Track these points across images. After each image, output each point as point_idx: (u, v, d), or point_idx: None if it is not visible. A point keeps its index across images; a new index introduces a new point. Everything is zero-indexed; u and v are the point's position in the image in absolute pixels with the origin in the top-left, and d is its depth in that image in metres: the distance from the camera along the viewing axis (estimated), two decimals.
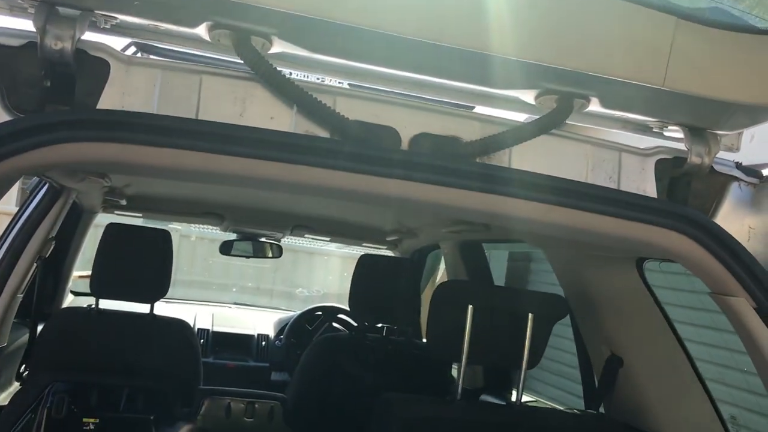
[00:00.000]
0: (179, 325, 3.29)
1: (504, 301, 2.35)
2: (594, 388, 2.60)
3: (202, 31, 1.45)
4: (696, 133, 1.74)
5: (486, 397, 3.41)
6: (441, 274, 4.94)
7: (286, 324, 4.96)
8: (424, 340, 3.81)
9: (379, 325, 3.71)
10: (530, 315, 2.28)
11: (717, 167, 1.80)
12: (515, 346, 2.31)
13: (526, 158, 1.67)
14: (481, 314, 2.25)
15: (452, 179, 1.54)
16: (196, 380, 3.28)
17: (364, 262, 3.46)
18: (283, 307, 6.15)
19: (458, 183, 1.54)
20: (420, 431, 2.17)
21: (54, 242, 3.28)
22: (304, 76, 1.75)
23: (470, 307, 2.24)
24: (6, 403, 3.04)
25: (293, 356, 4.60)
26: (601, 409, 2.56)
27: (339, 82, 1.75)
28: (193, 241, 8.30)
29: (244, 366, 4.67)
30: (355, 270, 3.45)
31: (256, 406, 3.20)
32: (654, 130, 1.87)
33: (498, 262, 7.80)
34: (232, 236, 4.92)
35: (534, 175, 1.60)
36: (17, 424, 2.91)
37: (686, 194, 1.79)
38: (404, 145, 1.58)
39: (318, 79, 1.77)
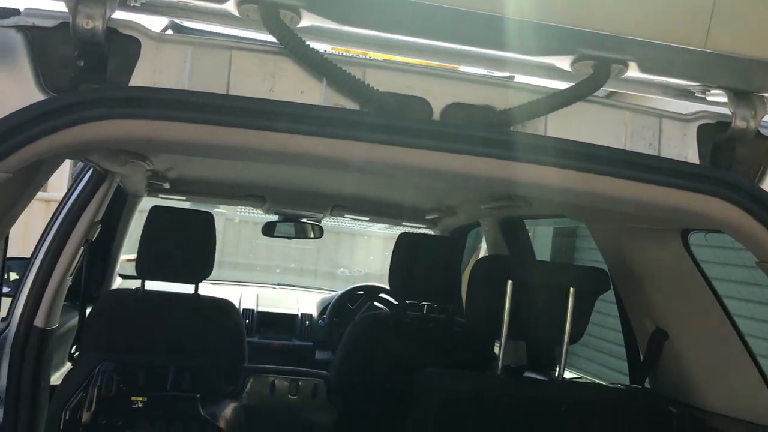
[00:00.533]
0: (224, 304, 3.34)
1: (544, 276, 2.32)
2: (639, 362, 2.56)
3: (230, 6, 1.45)
4: (741, 96, 1.67)
5: (529, 375, 3.38)
6: (483, 254, 4.91)
7: (329, 304, 5.00)
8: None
9: (420, 303, 3.70)
10: (571, 289, 2.24)
11: (763, 131, 1.73)
12: (557, 322, 2.28)
13: (562, 126, 1.63)
14: (521, 289, 2.23)
15: (486, 149, 1.51)
16: (241, 359, 3.33)
17: (403, 240, 3.45)
18: (326, 288, 6.20)
19: (493, 153, 1.51)
20: (461, 406, 2.16)
21: (100, 226, 3.36)
22: (333, 49, 1.74)
23: (509, 282, 2.22)
24: (59, 383, 3.14)
25: (336, 335, 4.65)
26: (647, 384, 2.52)
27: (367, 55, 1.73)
28: (237, 224, 8.41)
29: (288, 345, 4.73)
30: (394, 249, 3.45)
31: (300, 383, 3.24)
32: (696, 94, 1.80)
33: (542, 240, 7.70)
34: (274, 218, 4.97)
35: (570, 143, 1.56)
36: (70, 402, 3.00)
37: (730, 160, 1.72)
38: (436, 115, 1.55)
39: (347, 52, 1.75)
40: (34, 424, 2.99)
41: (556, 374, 2.34)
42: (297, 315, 4.99)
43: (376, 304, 4.95)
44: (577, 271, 2.38)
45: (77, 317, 3.51)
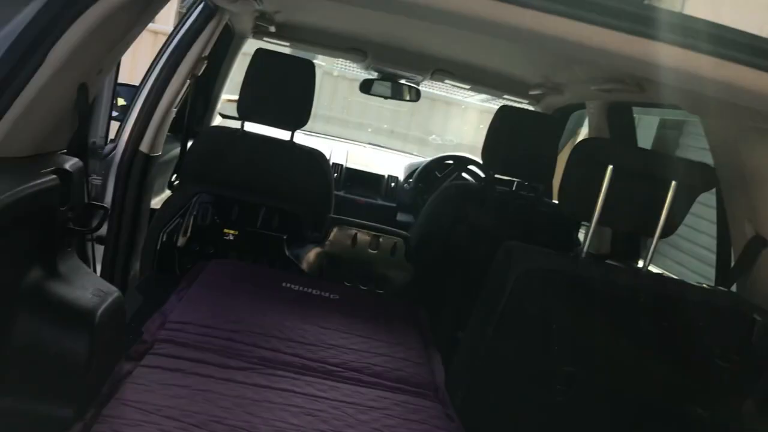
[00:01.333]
0: (316, 154, 3.41)
1: (647, 164, 2.23)
2: (729, 266, 2.49)
3: None
4: None
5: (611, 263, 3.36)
6: (581, 138, 4.76)
7: (416, 169, 5.02)
8: (555, 201, 3.75)
9: (509, 179, 3.67)
10: (673, 182, 2.16)
11: None
12: (651, 213, 2.22)
13: (700, 5, 1.50)
14: (620, 175, 2.16)
15: (615, 20, 1.41)
16: (327, 208, 3.44)
17: (503, 112, 3.37)
18: (415, 153, 6.21)
19: (622, 25, 1.41)
20: (540, 282, 2.18)
21: (206, 62, 3.42)
22: None
23: (610, 167, 2.15)
24: (159, 207, 3.34)
25: (420, 200, 4.71)
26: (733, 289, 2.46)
27: None
28: (335, 78, 8.38)
29: (372, 203, 4.83)
30: (492, 120, 3.38)
31: (381, 239, 3.33)
32: None
33: (645, 130, 7.33)
34: (373, 76, 4.93)
35: (708, 24, 1.44)
36: (167, 226, 3.20)
37: None
38: None
39: None
40: (134, 240, 3.23)
41: (641, 266, 2.31)
42: (384, 176, 5.05)
43: (463, 175, 4.94)
44: (683, 165, 2.28)
45: (179, 148, 3.66)
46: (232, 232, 3.23)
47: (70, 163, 1.93)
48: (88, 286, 1.95)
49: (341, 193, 4.75)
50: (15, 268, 1.72)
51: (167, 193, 3.56)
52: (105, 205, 2.29)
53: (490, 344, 2.26)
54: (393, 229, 3.45)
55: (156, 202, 3.63)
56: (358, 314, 2.96)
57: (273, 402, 2.12)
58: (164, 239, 3.20)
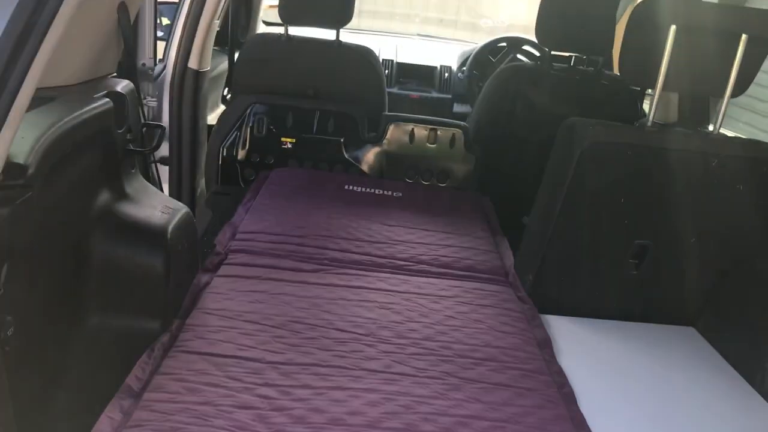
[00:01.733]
0: (365, 51, 3.33)
1: (714, 19, 2.08)
2: None
3: None
4: None
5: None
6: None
7: (469, 56, 4.85)
8: (616, 73, 3.58)
9: (567, 54, 3.51)
10: (744, 36, 2.02)
11: None
12: (721, 72, 2.09)
13: None
14: (685, 35, 2.03)
15: None
16: (382, 106, 3.39)
17: None
18: (467, 39, 5.99)
19: None
20: (605, 155, 2.11)
21: None
22: None
23: (672, 26, 2.02)
24: (215, 122, 3.36)
25: (475, 88, 4.58)
26: None
27: None
28: None
29: (427, 97, 4.73)
30: None
31: (439, 132, 3.28)
32: None
33: None
34: None
35: None
36: (225, 140, 3.23)
37: None
38: None
39: None
40: (196, 157, 3.28)
41: (712, 129, 2.20)
42: (436, 67, 4.91)
43: (518, 56, 4.75)
44: (753, 15, 2.11)
45: (227, 62, 3.64)
46: (289, 140, 3.24)
47: (122, 85, 1.95)
48: (157, 205, 2.00)
49: (394, 90, 4.66)
50: (85, 193, 1.78)
51: (221, 108, 3.57)
52: (162, 124, 2.31)
53: (557, 224, 2.23)
54: (450, 120, 3.39)
55: (212, 118, 3.65)
56: (422, 209, 2.97)
57: (347, 299, 2.18)
58: (224, 153, 3.25)
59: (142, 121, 2.19)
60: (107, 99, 1.80)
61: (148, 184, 2.12)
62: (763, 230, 2.24)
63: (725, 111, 2.11)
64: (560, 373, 1.98)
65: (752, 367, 2.09)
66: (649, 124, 2.12)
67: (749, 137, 2.32)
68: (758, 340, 2.10)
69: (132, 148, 2.01)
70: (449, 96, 4.75)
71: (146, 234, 1.86)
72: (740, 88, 2.09)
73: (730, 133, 2.88)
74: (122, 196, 1.93)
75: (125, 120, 1.94)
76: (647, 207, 2.20)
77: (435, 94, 4.76)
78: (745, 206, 2.18)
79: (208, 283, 2.17)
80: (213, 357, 1.76)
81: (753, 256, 2.25)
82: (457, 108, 4.70)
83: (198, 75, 3.25)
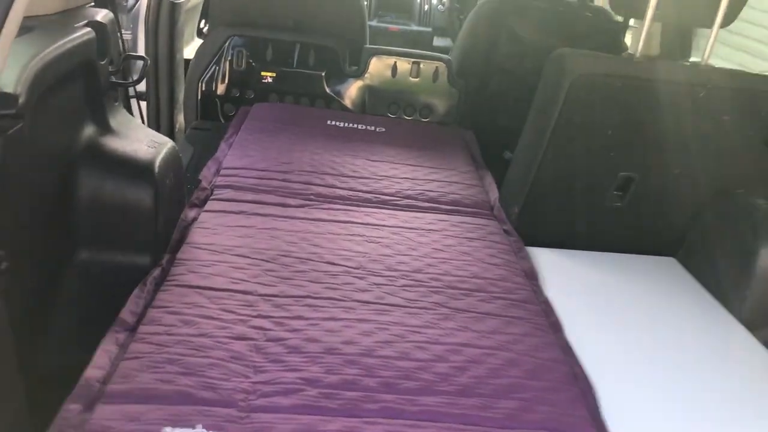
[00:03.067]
0: None
1: None
2: None
3: None
4: None
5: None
6: None
7: None
8: (598, 5, 3.55)
9: None
10: None
11: None
12: (709, 1, 2.08)
13: None
14: None
15: None
16: (363, 39, 3.32)
17: None
18: None
19: None
20: (596, 87, 2.10)
21: None
22: None
23: None
24: (192, 56, 3.28)
25: (456, 21, 4.51)
26: None
27: None
28: None
29: (407, 30, 4.65)
30: None
31: (422, 66, 3.24)
32: None
33: None
34: None
35: None
36: (204, 74, 3.16)
37: None
38: None
39: None
40: (174, 92, 3.21)
41: (701, 60, 2.20)
42: (416, 0, 4.83)
43: None
44: None
45: None
46: (269, 74, 3.17)
47: (102, 14, 1.88)
48: (143, 138, 1.97)
49: (373, 23, 4.58)
50: (70, 126, 1.74)
51: (198, 41, 3.48)
52: (144, 56, 2.25)
53: (544, 156, 2.24)
54: (433, 53, 3.34)
55: (188, 52, 3.56)
56: (406, 144, 2.95)
57: (335, 233, 2.18)
58: (203, 88, 3.18)
59: (123, 52, 2.13)
60: (89, 29, 1.74)
61: (132, 117, 2.07)
62: (747, 161, 2.27)
63: (714, 41, 2.11)
64: (546, 303, 2.03)
65: (731, 295, 2.15)
66: (638, 55, 2.12)
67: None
68: (737, 270, 2.15)
69: (115, 80, 1.96)
70: (429, 29, 4.69)
71: (134, 168, 1.83)
72: (729, 17, 2.09)
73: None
74: (107, 129, 1.89)
75: (107, 50, 1.88)
76: (633, 139, 2.21)
77: (415, 27, 4.69)
78: (730, 137, 2.20)
79: (195, 218, 2.15)
80: (206, 290, 1.77)
81: (736, 187, 2.29)
82: (438, 41, 4.64)
83: (174, 6, 3.16)
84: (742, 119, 2.16)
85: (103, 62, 1.85)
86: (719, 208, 2.32)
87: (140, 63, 2.26)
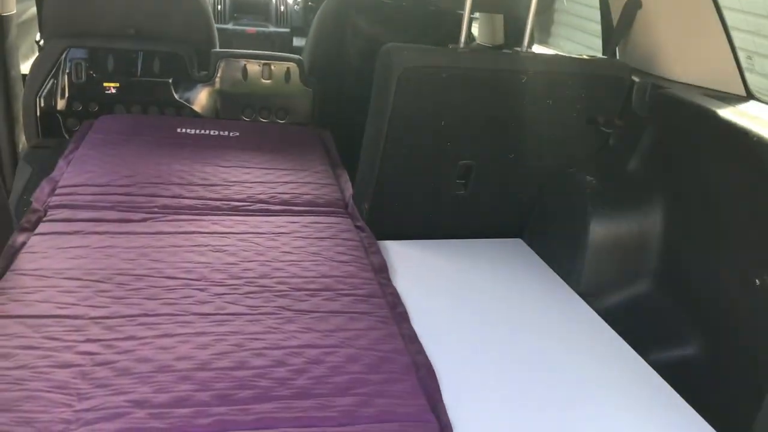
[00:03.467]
0: None
1: None
2: (612, 34, 2.49)
3: None
4: None
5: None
6: None
7: None
8: None
9: None
10: None
11: None
12: None
13: None
14: None
15: None
16: (211, 43, 3.26)
17: None
18: None
19: None
20: (422, 79, 2.14)
21: None
22: None
23: None
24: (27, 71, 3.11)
25: (311, 20, 4.50)
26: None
27: None
28: None
29: (264, 32, 4.60)
30: None
31: (273, 67, 3.21)
32: None
33: None
34: None
35: None
36: (42, 89, 3.00)
37: None
38: None
39: None
40: (12, 110, 3.03)
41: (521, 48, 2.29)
42: (271, 0, 4.78)
43: None
44: None
45: (35, 3, 3.35)
46: (112, 84, 3.05)
47: None
48: None
49: (229, 26, 4.50)
50: None
51: (37, 55, 3.30)
52: None
53: (385, 151, 2.27)
54: (283, 54, 3.32)
55: (26, 67, 3.37)
56: (260, 147, 2.92)
57: (178, 246, 2.12)
58: (42, 104, 3.02)
59: None
60: None
61: None
62: (575, 141, 2.38)
63: (532, 28, 2.20)
64: (394, 294, 2.05)
65: (569, 270, 2.26)
66: (462, 46, 2.17)
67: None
68: (574, 245, 2.26)
69: None
70: (287, 30, 4.65)
71: None
72: (544, 4, 2.18)
73: (551, 51, 3.02)
74: None
75: None
76: (467, 128, 2.27)
77: (272, 29, 4.65)
78: (556, 120, 2.30)
79: (24, 243, 2.04)
80: (28, 318, 1.67)
81: (568, 167, 2.40)
82: (297, 42, 4.62)
83: (2, 19, 2.98)
84: (566, 102, 2.26)
85: None
86: (554, 188, 2.43)
87: None
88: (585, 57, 2.37)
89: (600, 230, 2.21)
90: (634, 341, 2.00)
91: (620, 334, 2.04)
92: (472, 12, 2.11)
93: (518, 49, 2.25)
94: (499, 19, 3.43)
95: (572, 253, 2.24)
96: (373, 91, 2.32)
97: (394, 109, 2.16)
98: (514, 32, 3.53)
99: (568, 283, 2.25)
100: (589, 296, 2.18)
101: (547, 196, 2.44)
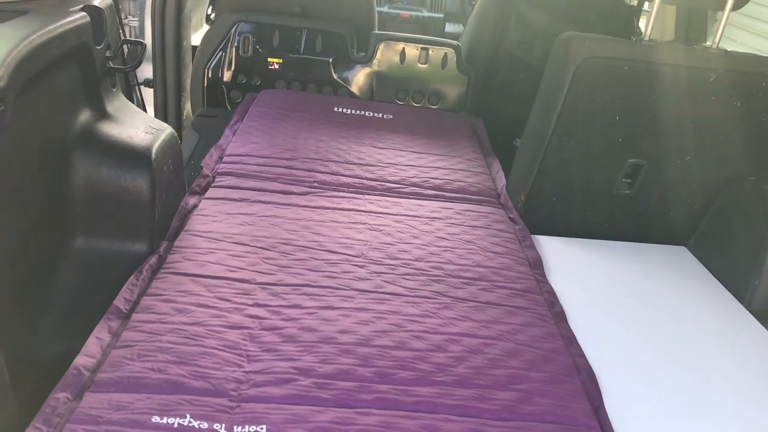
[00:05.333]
0: None
1: None
2: None
3: None
4: None
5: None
6: None
7: None
8: None
9: None
10: None
11: None
12: None
13: None
14: None
15: None
16: (371, 25, 3.28)
17: None
18: None
19: None
20: (602, 71, 2.05)
21: None
22: None
23: None
24: (197, 43, 3.25)
25: (468, 7, 4.45)
26: None
27: None
28: None
29: (418, 16, 4.59)
30: None
31: (430, 52, 3.20)
32: None
33: None
34: None
35: None
36: (210, 61, 3.14)
37: None
38: None
39: None
40: (180, 79, 3.19)
41: (711, 44, 2.13)
42: None
43: None
44: None
45: None
46: (276, 60, 3.14)
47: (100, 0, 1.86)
48: (140, 125, 1.94)
49: (384, 9, 4.52)
50: (64, 111, 1.71)
51: (206, 28, 3.45)
52: (142, 41, 2.22)
53: (550, 143, 2.19)
54: (442, 39, 3.29)
55: (198, 39, 3.54)
56: (413, 131, 2.91)
57: (337, 221, 2.15)
58: (210, 75, 3.16)
59: (122, 38, 2.10)
60: (84, 13, 1.72)
61: (131, 103, 2.05)
62: (759, 147, 2.21)
63: (725, 24, 2.04)
64: (551, 293, 1.99)
65: (741, 285, 2.10)
66: (646, 38, 2.05)
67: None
68: (748, 259, 2.10)
69: (112, 65, 1.93)
70: (441, 15, 4.62)
71: (130, 154, 1.81)
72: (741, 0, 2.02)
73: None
74: (103, 115, 1.87)
75: (104, 35, 1.85)
76: (642, 125, 2.15)
77: (426, 13, 4.63)
78: (741, 123, 2.13)
79: (195, 206, 2.13)
80: (202, 278, 1.75)
81: (747, 174, 2.23)
82: (449, 27, 4.58)
83: None
84: (754, 104, 2.09)
85: (99, 47, 1.82)
86: (731, 196, 2.26)
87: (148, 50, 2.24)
88: None
89: None
90: None
91: None
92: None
93: (708, 45, 2.10)
94: (671, 12, 3.24)
95: (747, 268, 2.08)
96: (543, 81, 2.24)
97: (567, 101, 2.08)
98: (683, 27, 3.34)
99: (738, 299, 2.09)
100: (763, 315, 2.01)
101: (723, 204, 2.28)
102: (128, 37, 3.16)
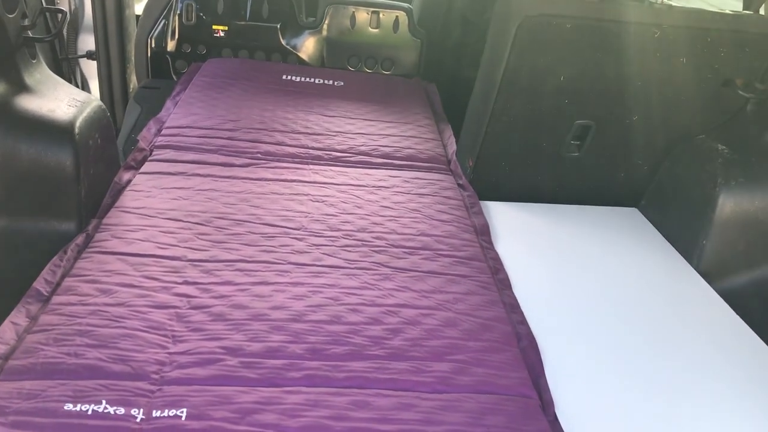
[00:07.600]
0: None
1: None
2: None
3: None
4: None
5: None
6: None
7: None
8: None
9: None
10: None
11: None
12: None
13: None
14: None
15: None
16: None
17: None
18: None
19: None
20: (545, 29, 1.98)
21: None
22: None
23: None
24: (141, 12, 3.13)
25: None
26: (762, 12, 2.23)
27: None
28: None
29: None
30: None
31: (381, 15, 3.11)
32: None
33: None
34: None
35: None
36: (153, 30, 3.02)
37: None
38: None
39: None
40: (124, 50, 3.07)
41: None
42: None
43: None
44: None
45: None
46: (221, 27, 3.04)
47: None
48: (63, 97, 1.85)
49: None
50: None
51: None
52: (62, 8, 2.11)
53: (495, 105, 2.13)
54: (392, 2, 3.20)
55: (140, 8, 3.41)
56: (364, 98, 2.83)
57: (279, 193, 2.09)
58: (153, 45, 3.04)
59: (42, 5, 2.00)
60: None
61: (53, 75, 1.95)
62: (707, 106, 2.17)
63: None
64: (496, 259, 1.94)
65: (690, 246, 2.07)
66: None
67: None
68: (696, 219, 2.07)
69: (30, 35, 1.83)
70: None
71: (50, 128, 1.72)
72: None
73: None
74: (21, 88, 1.78)
75: (17, 3, 1.75)
76: (589, 85, 2.10)
77: None
78: (688, 81, 2.09)
79: (129, 181, 2.05)
80: (130, 257, 1.68)
81: (696, 133, 2.19)
82: None
83: None
84: (701, 60, 2.05)
85: (12, 15, 1.72)
86: (679, 155, 2.22)
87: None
88: (729, 12, 2.13)
89: (729, 205, 2.01)
90: (760, 328, 1.81)
91: (743, 318, 1.85)
92: None
93: (652, 0, 2.04)
94: None
95: (695, 228, 2.05)
96: (487, 41, 2.18)
97: (510, 61, 2.02)
98: None
99: (687, 260, 2.07)
100: (710, 275, 1.99)
101: (672, 164, 2.24)
102: (70, 8, 3.03)
